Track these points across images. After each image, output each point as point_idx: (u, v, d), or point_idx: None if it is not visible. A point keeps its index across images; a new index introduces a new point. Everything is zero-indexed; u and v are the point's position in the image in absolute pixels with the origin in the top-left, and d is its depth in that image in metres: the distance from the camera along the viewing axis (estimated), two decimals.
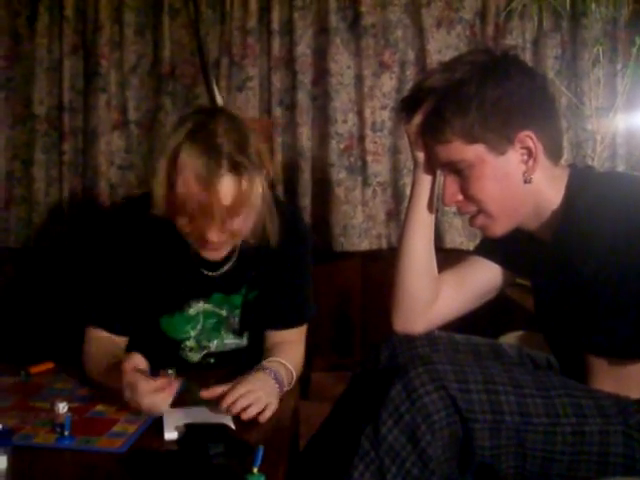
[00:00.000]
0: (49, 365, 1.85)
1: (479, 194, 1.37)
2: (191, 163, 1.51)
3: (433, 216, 1.55)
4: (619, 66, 3.36)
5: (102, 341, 1.74)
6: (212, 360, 1.83)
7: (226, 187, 1.53)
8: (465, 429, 1.22)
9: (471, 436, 1.22)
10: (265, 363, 1.64)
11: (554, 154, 1.38)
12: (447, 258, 1.69)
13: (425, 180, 1.51)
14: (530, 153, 1.34)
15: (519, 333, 1.87)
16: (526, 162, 1.35)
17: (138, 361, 1.48)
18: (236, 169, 1.53)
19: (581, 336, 1.35)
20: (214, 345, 1.83)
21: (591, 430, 1.24)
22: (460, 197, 1.40)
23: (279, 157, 3.59)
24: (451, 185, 1.40)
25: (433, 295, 1.57)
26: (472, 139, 1.33)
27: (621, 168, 3.44)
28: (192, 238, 1.63)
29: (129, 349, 1.77)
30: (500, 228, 1.42)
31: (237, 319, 1.81)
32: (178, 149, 1.53)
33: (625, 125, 3.30)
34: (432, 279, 1.57)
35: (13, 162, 3.72)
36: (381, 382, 1.35)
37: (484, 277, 1.60)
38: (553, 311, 1.47)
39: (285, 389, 1.63)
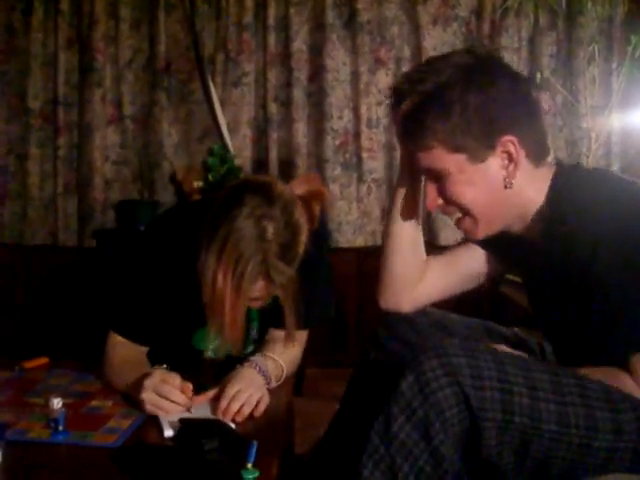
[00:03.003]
0: (43, 360, 1.85)
1: (458, 200, 1.36)
2: (230, 266, 1.46)
3: (421, 201, 1.55)
4: (614, 64, 3.37)
5: (123, 347, 1.72)
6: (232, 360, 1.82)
7: (254, 291, 1.52)
8: (473, 426, 1.18)
9: (479, 434, 1.18)
10: (253, 357, 1.64)
11: (537, 156, 1.36)
12: None
13: (410, 172, 1.51)
14: (511, 158, 1.33)
15: (513, 329, 1.87)
16: (506, 167, 1.34)
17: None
18: (270, 276, 1.49)
19: (589, 350, 1.34)
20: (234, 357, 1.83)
21: (599, 446, 1.20)
22: (440, 202, 1.40)
23: (274, 153, 3.59)
24: (431, 191, 1.39)
25: (419, 275, 1.59)
26: (454, 146, 1.31)
27: (616, 166, 3.45)
28: None
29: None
30: (482, 231, 1.42)
31: (255, 330, 1.81)
32: (225, 242, 1.46)
33: (620, 123, 3.31)
34: (418, 261, 1.58)
35: (7, 157, 3.72)
36: (387, 368, 1.34)
37: (473, 261, 1.60)
38: (551, 310, 1.46)
39: (273, 384, 1.62)
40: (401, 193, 1.55)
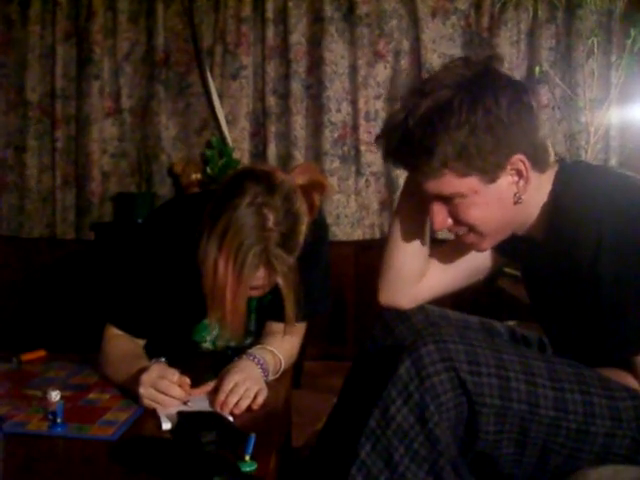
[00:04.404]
0: (41, 353, 1.85)
1: (470, 220, 1.35)
2: (231, 254, 1.46)
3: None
4: (613, 58, 3.37)
5: (121, 339, 1.73)
6: (229, 352, 1.82)
7: (255, 280, 1.52)
8: (471, 412, 1.21)
9: (477, 420, 1.21)
10: (251, 350, 1.63)
11: (543, 164, 1.36)
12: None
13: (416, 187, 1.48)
14: (520, 174, 1.32)
15: (512, 323, 1.87)
16: (517, 183, 1.33)
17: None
18: (271, 265, 1.50)
19: (588, 342, 1.34)
20: (232, 348, 1.82)
21: (597, 431, 1.22)
22: (450, 222, 1.38)
23: (272, 146, 3.59)
24: (440, 212, 1.37)
25: (421, 272, 1.58)
26: (464, 171, 1.29)
27: (614, 160, 3.45)
28: None
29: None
30: (489, 244, 1.42)
31: (253, 322, 1.82)
32: (226, 230, 1.46)
33: (619, 117, 3.31)
34: (422, 257, 1.57)
35: (5, 149, 3.71)
36: (384, 362, 1.34)
37: (476, 256, 1.58)
38: (550, 305, 1.46)
39: (270, 377, 1.62)
40: (407, 195, 1.53)
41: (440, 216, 1.37)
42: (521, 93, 1.32)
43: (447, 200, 1.34)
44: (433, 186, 1.33)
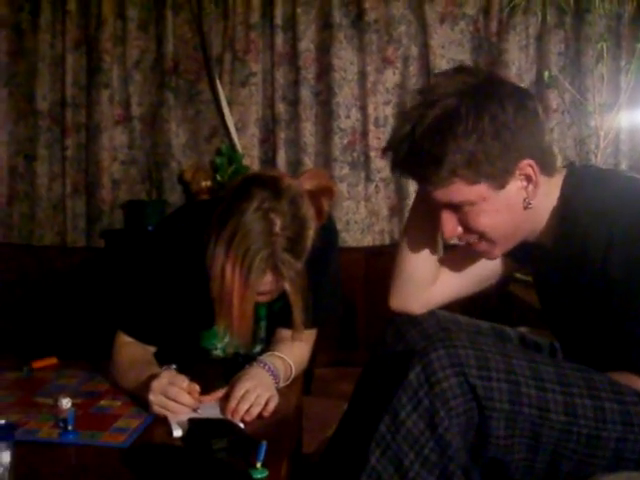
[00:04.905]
0: (52, 360, 1.85)
1: (480, 227, 1.35)
2: (238, 259, 1.47)
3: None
4: (623, 63, 3.36)
5: (131, 347, 1.73)
6: (240, 359, 1.82)
7: (262, 285, 1.52)
8: (482, 417, 1.20)
9: (487, 425, 1.20)
10: (262, 357, 1.63)
11: (550, 167, 1.36)
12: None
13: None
14: (529, 179, 1.32)
15: (523, 329, 1.87)
16: (526, 188, 1.33)
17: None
18: (278, 269, 1.50)
19: (599, 347, 1.34)
20: (243, 355, 1.82)
21: (608, 436, 1.22)
22: (460, 230, 1.38)
23: (282, 153, 3.59)
24: (449, 221, 1.37)
25: (433, 277, 1.58)
26: (473, 178, 1.29)
27: (624, 164, 3.44)
28: None
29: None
30: (500, 251, 1.42)
31: (263, 329, 1.81)
32: (233, 235, 1.47)
33: (628, 121, 3.30)
34: (434, 265, 1.57)
35: (16, 158, 3.73)
36: (395, 368, 1.34)
37: (485, 262, 1.58)
38: (561, 310, 1.46)
39: (282, 383, 1.62)
40: (420, 202, 1.52)
41: (450, 225, 1.37)
42: (526, 99, 1.32)
43: (456, 208, 1.34)
44: (442, 195, 1.33)
